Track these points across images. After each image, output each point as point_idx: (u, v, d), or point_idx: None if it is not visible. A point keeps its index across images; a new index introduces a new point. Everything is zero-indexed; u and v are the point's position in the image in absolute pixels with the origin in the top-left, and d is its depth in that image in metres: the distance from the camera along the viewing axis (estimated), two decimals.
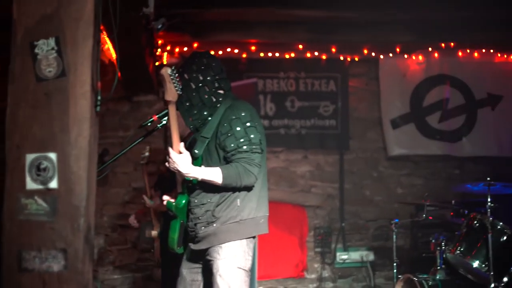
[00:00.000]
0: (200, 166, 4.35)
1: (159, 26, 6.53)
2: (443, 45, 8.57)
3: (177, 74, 4.19)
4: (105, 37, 5.71)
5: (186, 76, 4.43)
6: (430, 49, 8.62)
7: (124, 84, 7.75)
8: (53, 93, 3.57)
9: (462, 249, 6.17)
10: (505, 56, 8.74)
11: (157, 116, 4.65)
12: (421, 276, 6.36)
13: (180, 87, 4.23)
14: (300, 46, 8.35)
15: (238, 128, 4.28)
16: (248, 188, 4.39)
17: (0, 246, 3.66)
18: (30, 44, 3.57)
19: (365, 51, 8.51)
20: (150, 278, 8.23)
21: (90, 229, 3.77)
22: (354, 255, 8.50)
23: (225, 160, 4.37)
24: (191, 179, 4.33)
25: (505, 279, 6.02)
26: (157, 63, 8.07)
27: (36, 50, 3.55)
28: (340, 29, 7.94)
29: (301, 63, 8.53)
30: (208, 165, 4.38)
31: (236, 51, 8.28)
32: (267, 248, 7.61)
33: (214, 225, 4.38)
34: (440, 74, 8.69)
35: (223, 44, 8.22)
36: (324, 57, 8.52)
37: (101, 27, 4.12)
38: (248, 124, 4.31)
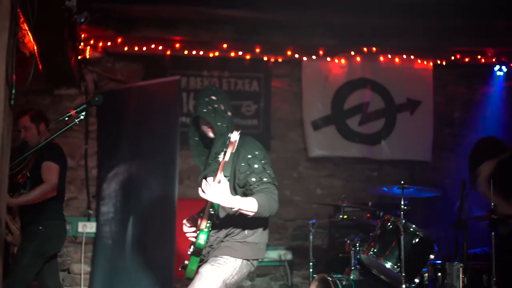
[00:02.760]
0: (217, 205, 4.47)
1: (82, 20, 6.49)
2: (365, 49, 8.71)
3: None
4: (26, 29, 5.64)
5: (222, 106, 4.61)
6: (352, 53, 8.74)
7: (46, 77, 7.67)
8: None
9: (375, 250, 6.27)
10: (425, 62, 8.93)
11: (75, 111, 4.61)
12: (335, 276, 6.45)
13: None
14: (225, 46, 8.36)
15: (256, 166, 4.46)
16: (260, 219, 4.57)
17: None
18: None
19: (289, 53, 8.58)
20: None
21: (1, 222, 3.74)
22: (273, 254, 8.56)
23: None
24: (222, 213, 4.49)
25: (417, 280, 6.14)
26: (79, 57, 8.00)
27: None
28: (264, 30, 7.99)
29: (225, 62, 8.57)
30: None
31: (160, 48, 8.26)
32: (186, 245, 7.59)
33: (221, 243, 4.61)
34: (362, 78, 8.83)
35: (147, 40, 8.19)
36: (248, 57, 8.56)
37: (21, 19, 4.08)
38: (263, 161, 4.50)
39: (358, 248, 6.54)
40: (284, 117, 8.81)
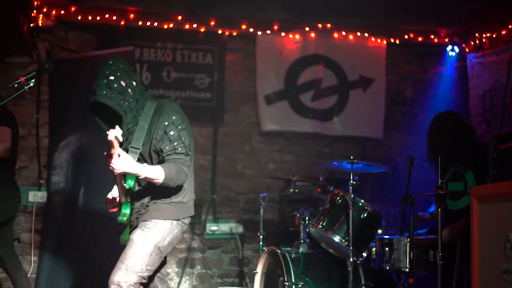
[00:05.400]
0: (134, 177, 4.52)
1: None
2: (320, 25, 8.73)
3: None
4: None
5: (122, 83, 4.48)
6: (307, 28, 8.77)
7: None
8: None
9: (324, 224, 6.33)
10: (378, 40, 9.00)
11: (24, 77, 4.59)
12: (284, 248, 6.50)
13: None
14: (179, 17, 8.35)
15: (172, 133, 4.51)
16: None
17: None
18: None
19: (243, 27, 8.59)
20: None
21: None
22: (224, 227, 8.62)
23: (159, 164, 4.55)
24: (132, 182, 4.51)
25: (364, 254, 6.21)
26: (32, 25, 7.90)
27: None
28: (219, 3, 7.93)
29: (179, 34, 8.52)
30: None
31: (114, 18, 8.20)
32: None
33: (148, 207, 4.68)
34: (315, 54, 8.85)
35: (101, 10, 8.12)
36: (202, 29, 8.53)
37: None
38: (180, 127, 4.55)
39: (307, 222, 6.60)
40: (237, 91, 8.82)
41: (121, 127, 4.45)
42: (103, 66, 4.53)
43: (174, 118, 4.55)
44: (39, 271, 7.68)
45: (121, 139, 4.12)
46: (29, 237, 8.07)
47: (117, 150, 4.20)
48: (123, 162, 4.26)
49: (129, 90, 4.51)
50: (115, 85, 4.43)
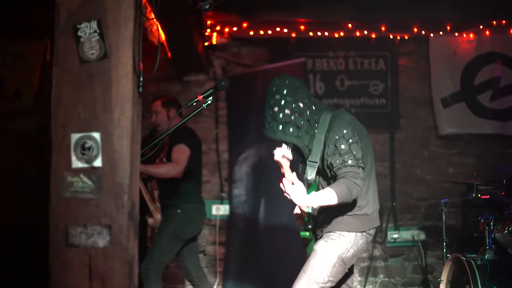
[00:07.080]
0: (316, 190, 4.51)
1: (207, 7, 6.55)
2: (494, 23, 8.47)
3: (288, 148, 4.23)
4: (153, 18, 5.78)
5: (287, 111, 4.43)
6: (481, 27, 8.52)
7: (175, 64, 7.85)
8: (96, 74, 3.66)
9: (510, 229, 6.11)
10: None
11: (202, 95, 4.70)
12: (469, 255, 6.33)
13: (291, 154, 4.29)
14: (349, 25, 8.34)
15: (343, 146, 4.37)
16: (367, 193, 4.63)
17: (47, 222, 3.79)
18: (73, 26, 3.66)
19: (415, 30, 8.46)
20: None
21: (134, 206, 3.87)
22: (405, 235, 8.50)
23: (333, 179, 4.51)
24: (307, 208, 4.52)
25: None
26: (206, 43, 8.14)
27: (79, 33, 3.64)
28: (389, 7, 7.87)
29: (350, 42, 8.51)
30: (321, 187, 4.56)
31: (285, 30, 8.31)
32: None
33: (332, 220, 4.62)
34: (491, 52, 8.57)
35: (272, 23, 8.26)
36: (373, 35, 8.48)
37: (148, 9, 4.20)
38: (350, 140, 4.40)
39: (492, 227, 6.38)
40: (412, 96, 8.68)
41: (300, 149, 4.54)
42: (267, 95, 4.55)
43: (345, 131, 4.42)
44: (224, 282, 7.88)
45: (290, 157, 4.13)
46: (214, 249, 8.30)
47: (287, 172, 4.22)
48: (295, 194, 4.26)
49: (296, 115, 4.45)
50: (280, 116, 4.41)
